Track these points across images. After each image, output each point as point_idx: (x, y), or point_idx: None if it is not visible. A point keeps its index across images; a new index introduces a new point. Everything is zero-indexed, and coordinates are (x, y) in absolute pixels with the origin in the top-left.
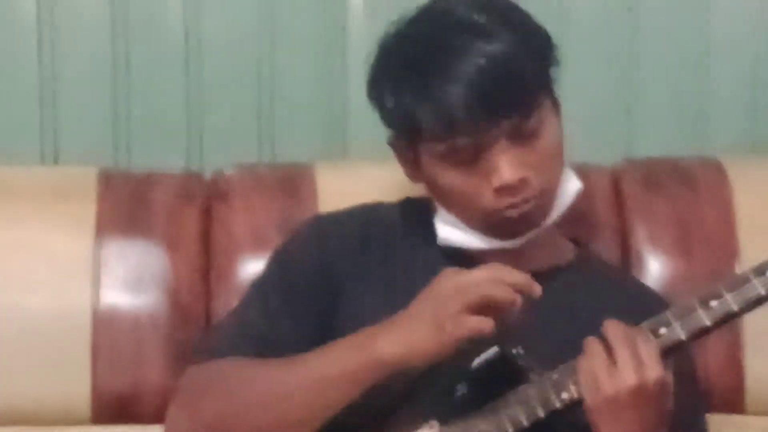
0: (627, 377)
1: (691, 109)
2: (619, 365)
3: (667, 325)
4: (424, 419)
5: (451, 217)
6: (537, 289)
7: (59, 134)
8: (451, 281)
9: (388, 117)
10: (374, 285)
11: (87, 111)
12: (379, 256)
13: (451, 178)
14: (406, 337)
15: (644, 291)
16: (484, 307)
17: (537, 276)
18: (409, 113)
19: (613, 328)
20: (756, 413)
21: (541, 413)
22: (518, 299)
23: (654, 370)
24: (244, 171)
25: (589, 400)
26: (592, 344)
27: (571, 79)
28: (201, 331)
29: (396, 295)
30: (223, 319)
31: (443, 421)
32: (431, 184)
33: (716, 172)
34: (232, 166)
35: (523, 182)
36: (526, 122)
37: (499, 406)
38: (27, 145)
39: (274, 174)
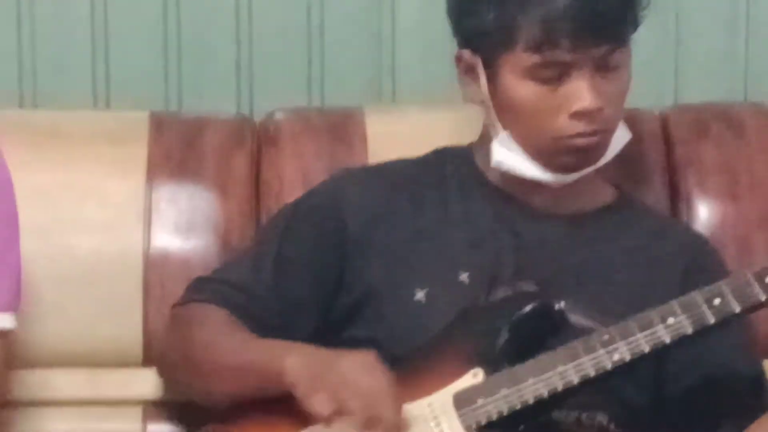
0: None
1: (740, 55)
2: None
3: (722, 296)
4: (467, 366)
5: (513, 143)
6: None
7: (111, 79)
8: (367, 401)
9: (481, 28)
10: (404, 230)
11: (138, 56)
12: (409, 203)
13: (532, 94)
14: (306, 388)
15: (691, 233)
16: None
17: (580, 217)
18: (512, 21)
19: None
20: None
21: (592, 373)
22: None
23: None
24: (293, 115)
25: None
26: None
27: None
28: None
29: (430, 235)
30: (220, 266)
31: (486, 369)
32: (506, 102)
33: (765, 117)
34: (282, 111)
35: (599, 112)
36: (615, 54)
37: (547, 362)
38: (79, 90)
39: (323, 118)
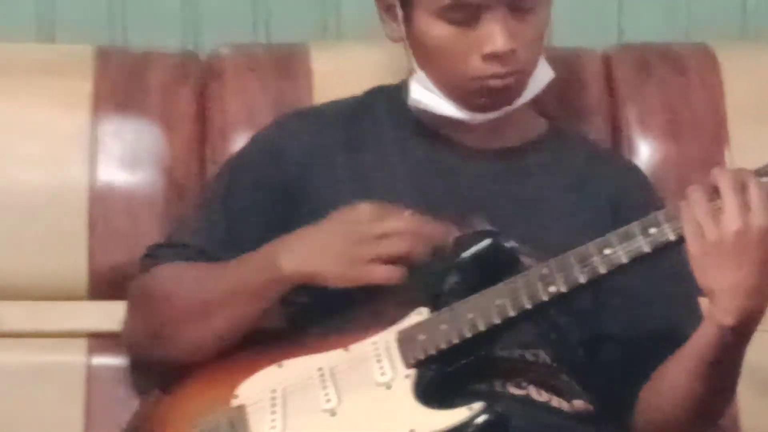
0: (731, 222)
1: None
2: (725, 209)
3: (657, 225)
4: (414, 306)
5: (429, 82)
6: (452, 234)
7: (55, 12)
8: (370, 224)
9: None
10: (341, 172)
11: None
12: (345, 145)
13: (445, 35)
14: (310, 262)
15: (621, 160)
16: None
17: (511, 151)
18: None
19: (722, 174)
20: None
21: (528, 305)
22: (427, 251)
23: (760, 217)
24: (238, 51)
25: (693, 247)
26: (694, 192)
27: None
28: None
29: (367, 176)
30: (172, 227)
31: (433, 308)
32: (421, 42)
33: (707, 57)
34: (228, 47)
35: (512, 54)
36: None
37: (488, 297)
38: (23, 23)
39: (268, 54)
